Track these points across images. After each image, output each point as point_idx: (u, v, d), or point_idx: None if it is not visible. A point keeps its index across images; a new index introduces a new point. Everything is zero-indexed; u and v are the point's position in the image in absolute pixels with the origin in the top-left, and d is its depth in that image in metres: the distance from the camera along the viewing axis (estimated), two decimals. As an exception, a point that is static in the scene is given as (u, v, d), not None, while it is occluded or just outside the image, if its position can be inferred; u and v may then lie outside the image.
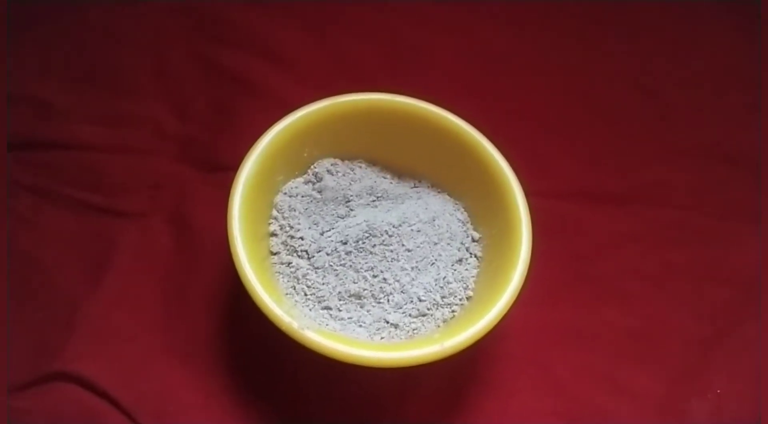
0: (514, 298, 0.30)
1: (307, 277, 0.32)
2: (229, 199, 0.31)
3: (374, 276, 0.32)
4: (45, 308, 0.35)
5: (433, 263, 0.33)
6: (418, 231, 0.33)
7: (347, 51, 0.46)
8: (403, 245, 0.32)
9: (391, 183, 0.36)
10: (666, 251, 0.40)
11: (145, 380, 0.33)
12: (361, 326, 0.31)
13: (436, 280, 0.32)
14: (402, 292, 0.32)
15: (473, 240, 0.34)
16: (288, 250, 0.33)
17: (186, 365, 0.34)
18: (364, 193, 0.35)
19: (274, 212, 0.34)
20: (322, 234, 0.33)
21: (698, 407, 0.35)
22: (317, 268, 0.32)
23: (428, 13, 0.48)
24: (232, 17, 0.46)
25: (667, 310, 0.38)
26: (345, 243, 0.32)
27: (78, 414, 0.31)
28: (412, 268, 0.32)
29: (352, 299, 0.32)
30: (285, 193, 0.35)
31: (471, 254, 0.34)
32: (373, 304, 0.32)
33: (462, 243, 0.34)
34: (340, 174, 0.35)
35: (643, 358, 0.37)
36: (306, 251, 0.33)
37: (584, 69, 0.47)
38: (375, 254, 0.32)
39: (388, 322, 0.31)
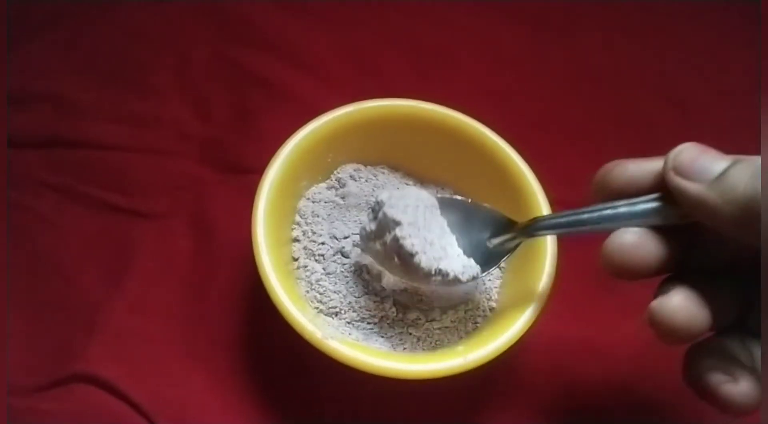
0: (539, 311, 0.30)
1: (320, 283, 0.32)
2: (254, 204, 0.31)
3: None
4: (65, 309, 0.35)
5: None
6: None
7: (370, 55, 0.46)
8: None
9: (414, 190, 0.36)
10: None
11: (165, 383, 0.33)
12: (383, 336, 0.31)
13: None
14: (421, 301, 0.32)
15: (497, 250, 0.34)
16: (307, 254, 0.33)
17: (206, 369, 0.34)
18: (387, 200, 0.35)
19: (297, 218, 0.34)
20: (344, 238, 0.33)
21: (722, 422, 0.35)
22: (329, 273, 0.32)
23: (452, 17, 0.48)
24: (256, 19, 0.46)
25: (688, 323, 0.38)
26: (361, 249, 0.32)
27: (99, 416, 0.31)
28: None
29: (362, 310, 0.31)
30: (308, 199, 0.34)
31: (495, 264, 0.34)
32: (385, 317, 0.31)
33: (485, 253, 0.34)
34: (363, 180, 0.35)
35: (664, 372, 0.36)
36: (323, 256, 0.33)
37: (610, 76, 0.46)
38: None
39: (410, 333, 0.31)
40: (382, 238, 0.29)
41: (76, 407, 0.32)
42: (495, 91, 0.45)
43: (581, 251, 0.38)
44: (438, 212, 0.30)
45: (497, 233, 0.30)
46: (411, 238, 0.27)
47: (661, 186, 0.24)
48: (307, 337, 0.28)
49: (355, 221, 0.34)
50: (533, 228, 0.28)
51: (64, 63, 0.43)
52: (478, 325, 0.32)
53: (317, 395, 0.33)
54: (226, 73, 0.44)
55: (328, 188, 0.35)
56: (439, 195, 0.33)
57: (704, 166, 0.22)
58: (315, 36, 0.46)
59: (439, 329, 0.31)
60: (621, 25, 0.48)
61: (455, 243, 0.30)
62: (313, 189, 0.35)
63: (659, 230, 0.24)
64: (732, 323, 0.24)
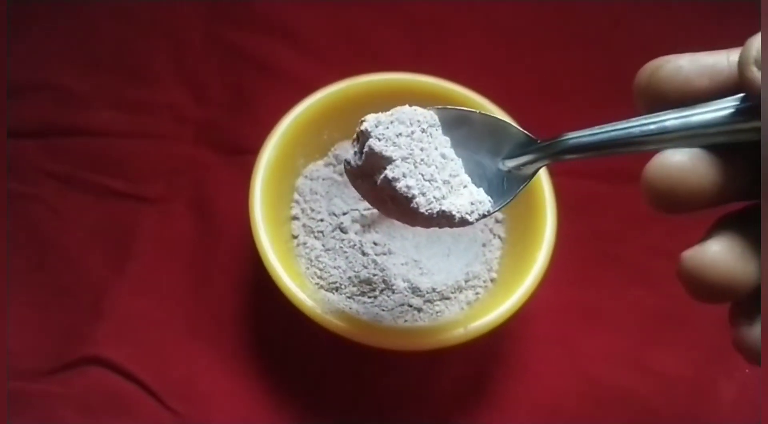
0: (539, 280, 0.30)
1: (320, 259, 0.32)
2: (251, 184, 0.31)
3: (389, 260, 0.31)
4: (71, 294, 0.35)
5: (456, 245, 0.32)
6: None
7: (364, 31, 0.45)
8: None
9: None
10: (691, 229, 0.39)
11: (171, 364, 0.33)
12: (383, 309, 0.31)
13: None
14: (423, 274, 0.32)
15: (497, 221, 0.34)
16: (306, 231, 0.33)
17: (211, 349, 0.34)
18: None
19: (296, 196, 0.34)
20: (343, 215, 0.33)
21: (726, 387, 0.35)
22: (328, 250, 0.32)
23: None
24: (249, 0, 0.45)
25: (693, 289, 0.38)
26: (360, 224, 0.32)
27: (108, 397, 0.32)
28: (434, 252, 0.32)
29: (363, 285, 0.31)
30: (306, 177, 0.34)
31: (495, 235, 0.34)
32: (386, 290, 0.31)
33: (485, 224, 0.33)
34: (359, 156, 0.35)
35: (668, 338, 0.36)
36: (322, 232, 0.33)
37: (608, 45, 0.46)
38: (393, 236, 0.32)
39: (411, 306, 0.31)
40: (371, 177, 0.23)
41: (86, 388, 0.32)
42: (492, 62, 0.45)
43: (583, 218, 0.38)
44: (440, 130, 0.24)
45: (513, 153, 0.24)
46: (406, 178, 0.22)
47: (728, 89, 0.18)
48: (307, 312, 0.28)
49: (354, 198, 0.34)
50: (559, 149, 0.22)
51: (60, 52, 0.43)
52: (479, 295, 0.32)
53: (321, 370, 0.34)
54: (220, 55, 0.43)
55: (326, 166, 0.35)
56: (439, 107, 0.25)
57: None
58: (308, 14, 0.45)
59: (439, 300, 0.31)
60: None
61: (461, 170, 0.24)
62: (311, 167, 0.35)
63: (721, 150, 0.18)
64: None
